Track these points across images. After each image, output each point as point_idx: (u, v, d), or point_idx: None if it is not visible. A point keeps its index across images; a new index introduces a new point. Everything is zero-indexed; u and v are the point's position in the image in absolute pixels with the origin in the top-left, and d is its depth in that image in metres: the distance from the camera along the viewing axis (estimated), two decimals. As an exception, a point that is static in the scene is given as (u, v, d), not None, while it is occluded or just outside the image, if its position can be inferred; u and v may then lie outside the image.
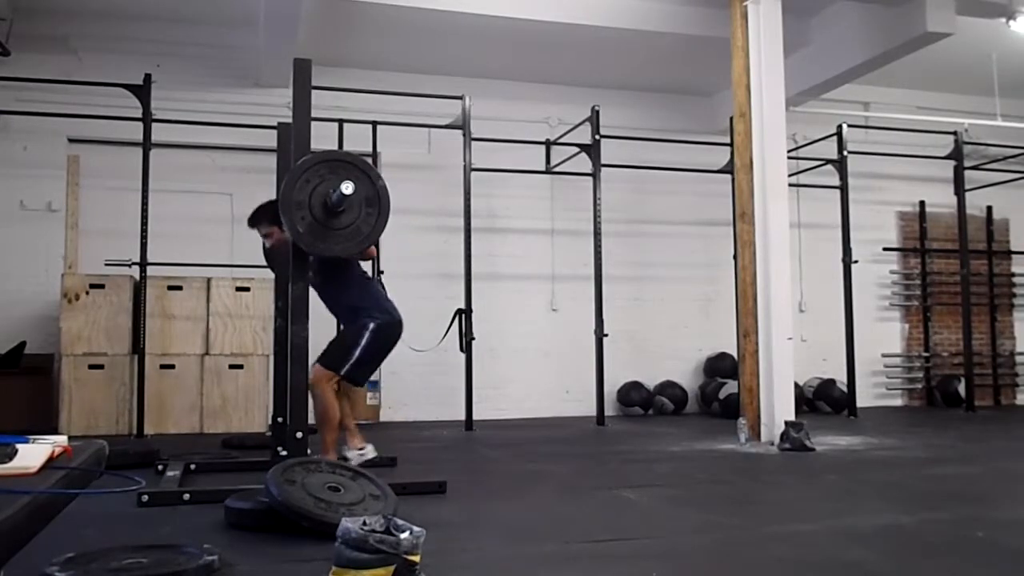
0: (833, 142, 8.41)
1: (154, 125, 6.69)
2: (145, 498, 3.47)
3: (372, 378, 7.54)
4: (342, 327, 4.24)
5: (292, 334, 3.91)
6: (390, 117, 7.64)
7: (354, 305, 4.27)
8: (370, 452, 4.37)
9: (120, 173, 7.14)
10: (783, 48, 5.99)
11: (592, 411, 7.60)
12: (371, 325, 4.15)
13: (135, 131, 6.68)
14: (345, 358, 4.11)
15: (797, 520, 3.36)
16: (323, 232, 3.58)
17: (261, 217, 4.37)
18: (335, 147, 7.44)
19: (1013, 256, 10.10)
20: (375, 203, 3.66)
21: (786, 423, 5.54)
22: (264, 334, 6.70)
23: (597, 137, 7.75)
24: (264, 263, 4.71)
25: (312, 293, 3.98)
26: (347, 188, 3.46)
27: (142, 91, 6.64)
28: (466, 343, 6.80)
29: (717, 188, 8.32)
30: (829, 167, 8.43)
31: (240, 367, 6.82)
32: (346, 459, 4.30)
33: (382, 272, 6.79)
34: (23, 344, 6.84)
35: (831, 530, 3.12)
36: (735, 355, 7.42)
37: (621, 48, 7.87)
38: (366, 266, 4.81)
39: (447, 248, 7.92)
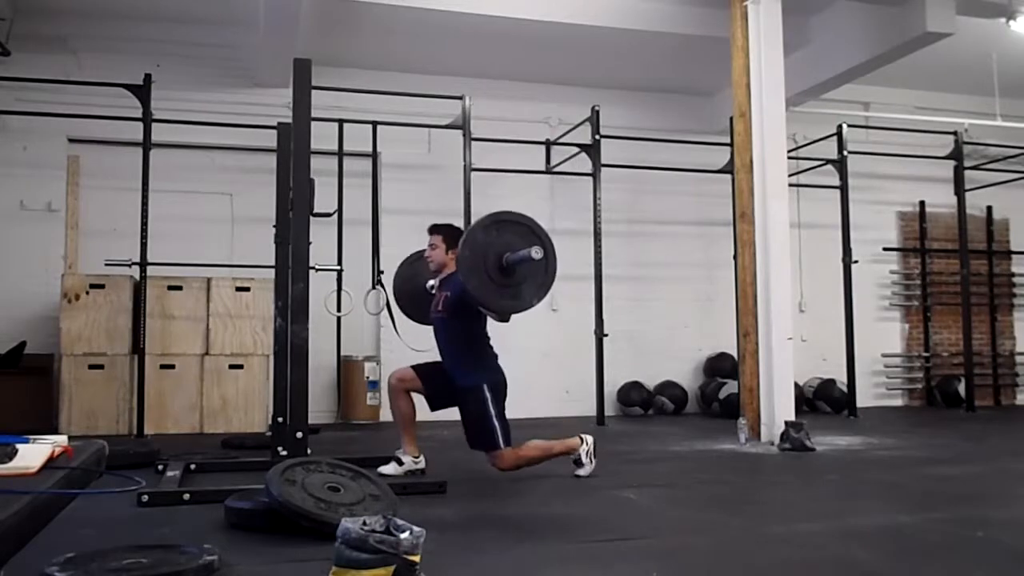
0: (833, 142, 8.41)
1: (154, 125, 6.69)
2: (145, 498, 3.47)
3: (372, 378, 7.61)
4: (454, 378, 4.28)
5: (292, 334, 3.92)
6: (390, 117, 7.64)
7: (470, 357, 4.26)
8: (422, 463, 4.39)
9: (120, 173, 7.14)
10: (783, 48, 5.99)
11: (592, 411, 7.60)
12: (485, 387, 4.16)
13: (135, 131, 6.68)
14: (494, 433, 4.12)
15: (797, 520, 3.36)
16: (506, 292, 3.74)
17: (445, 231, 4.41)
18: (335, 147, 7.45)
19: (1013, 256, 10.10)
20: (543, 268, 3.78)
21: (786, 423, 5.54)
22: (264, 334, 6.70)
23: (597, 137, 7.75)
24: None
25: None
26: (537, 253, 3.58)
27: (142, 91, 6.64)
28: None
29: (717, 188, 8.32)
30: (829, 167, 8.43)
31: (240, 367, 6.82)
32: (400, 463, 4.33)
33: (382, 272, 6.79)
34: (23, 344, 6.83)
35: (831, 530, 3.12)
36: (735, 355, 7.42)
37: (621, 48, 7.87)
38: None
39: (447, 248, 7.91)
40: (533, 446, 4.29)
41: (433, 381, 4.34)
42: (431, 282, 4.61)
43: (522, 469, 4.24)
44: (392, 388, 4.39)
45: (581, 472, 4.33)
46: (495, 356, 4.32)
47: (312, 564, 2.50)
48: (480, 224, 3.84)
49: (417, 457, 4.39)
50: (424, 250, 4.55)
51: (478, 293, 3.75)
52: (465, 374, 4.23)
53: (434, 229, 4.49)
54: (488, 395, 4.15)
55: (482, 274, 3.71)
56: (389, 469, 4.32)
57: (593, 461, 4.36)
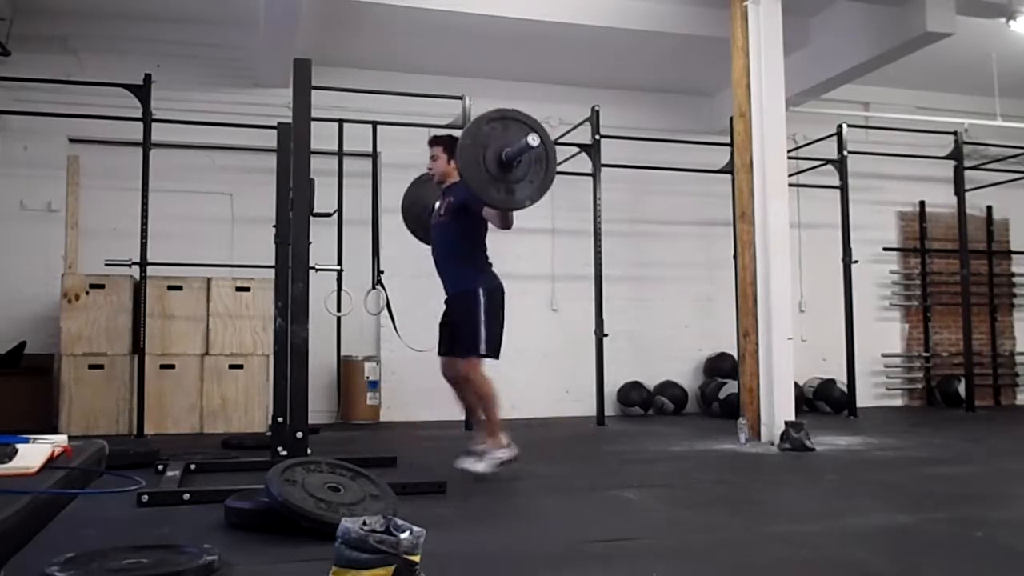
0: (833, 142, 8.41)
1: (154, 125, 6.69)
2: (145, 498, 3.47)
3: (372, 378, 7.61)
4: (449, 290, 4.26)
5: (292, 334, 3.92)
6: (390, 117, 7.63)
7: (468, 261, 4.25)
8: (512, 449, 4.23)
9: (120, 173, 7.14)
10: (783, 48, 5.99)
11: (592, 411, 7.60)
12: (480, 291, 4.14)
13: (135, 131, 6.68)
14: (477, 337, 4.08)
15: (797, 520, 3.36)
16: (502, 186, 3.72)
17: (445, 141, 4.38)
18: (335, 147, 7.45)
19: (1013, 256, 10.10)
20: (543, 159, 3.73)
21: (786, 423, 5.54)
22: (264, 334, 6.70)
23: (597, 137, 7.75)
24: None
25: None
26: (533, 140, 3.55)
27: (142, 91, 6.63)
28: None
29: (717, 188, 8.32)
30: (829, 167, 8.43)
31: (240, 367, 6.82)
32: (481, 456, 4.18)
33: (382, 272, 6.79)
34: (23, 344, 6.84)
35: (831, 530, 3.12)
36: (735, 355, 7.42)
37: (621, 48, 7.87)
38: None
39: (447, 248, 7.91)
40: (493, 394, 4.18)
41: (445, 338, 4.32)
42: (437, 202, 4.57)
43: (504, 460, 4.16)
44: (450, 380, 4.29)
45: (466, 463, 4.13)
46: (491, 267, 4.30)
47: (312, 564, 2.50)
48: (482, 118, 3.83)
49: (507, 444, 4.25)
50: (429, 172, 4.54)
51: (477, 185, 3.72)
52: (461, 279, 4.23)
53: (434, 141, 4.48)
54: (482, 298, 4.13)
55: (481, 167, 3.70)
56: (474, 464, 4.15)
57: (490, 469, 4.14)
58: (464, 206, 4.13)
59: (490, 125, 3.79)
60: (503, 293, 4.26)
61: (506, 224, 4.07)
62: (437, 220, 4.38)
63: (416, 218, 4.91)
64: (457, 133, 4.12)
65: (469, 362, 4.13)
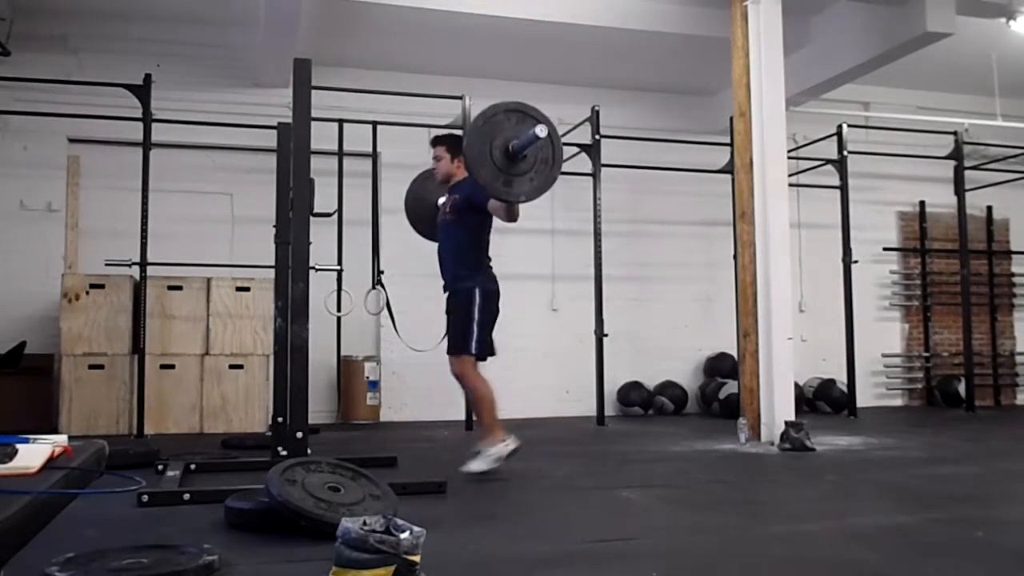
0: (833, 142, 8.41)
1: (154, 125, 6.69)
2: (145, 498, 3.47)
3: (372, 378, 7.61)
4: (449, 287, 4.28)
5: (292, 334, 3.92)
6: (390, 117, 7.63)
7: (470, 261, 4.28)
8: (512, 442, 4.24)
9: (120, 173, 7.14)
10: (783, 48, 5.99)
11: (592, 411, 7.60)
12: (477, 291, 4.17)
13: (135, 131, 6.68)
14: (468, 336, 4.11)
15: (797, 520, 3.36)
16: (501, 175, 3.72)
17: (448, 140, 4.41)
18: (335, 147, 7.45)
19: (1013, 256, 10.10)
20: (548, 162, 3.76)
21: (786, 423, 5.54)
22: (264, 334, 6.70)
23: (597, 137, 7.75)
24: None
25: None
26: (541, 131, 3.55)
27: (142, 91, 6.64)
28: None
29: (717, 188, 8.32)
30: (829, 167, 8.43)
31: (240, 367, 6.82)
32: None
33: (382, 272, 6.79)
34: (23, 344, 6.83)
35: (831, 530, 3.12)
36: (735, 355, 7.42)
37: (621, 48, 7.87)
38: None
39: (447, 248, 7.91)
40: (486, 391, 4.20)
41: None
42: (441, 200, 4.58)
43: (511, 465, 4.18)
44: (469, 375, 4.28)
45: (472, 466, 4.16)
46: (491, 268, 4.34)
47: (312, 564, 2.50)
48: (500, 106, 3.85)
49: (505, 439, 4.25)
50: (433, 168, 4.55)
51: (483, 177, 3.73)
52: (463, 277, 4.26)
53: (436, 141, 4.50)
54: (478, 298, 4.17)
55: (488, 159, 3.71)
56: (478, 464, 4.18)
57: (493, 466, 4.16)
58: (469, 203, 4.15)
59: (506, 114, 3.79)
60: (498, 295, 4.30)
61: (511, 217, 4.08)
62: (442, 218, 4.40)
63: (419, 214, 4.91)
64: (459, 132, 4.13)
65: (460, 360, 4.18)
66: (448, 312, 4.44)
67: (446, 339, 4.38)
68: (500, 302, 4.32)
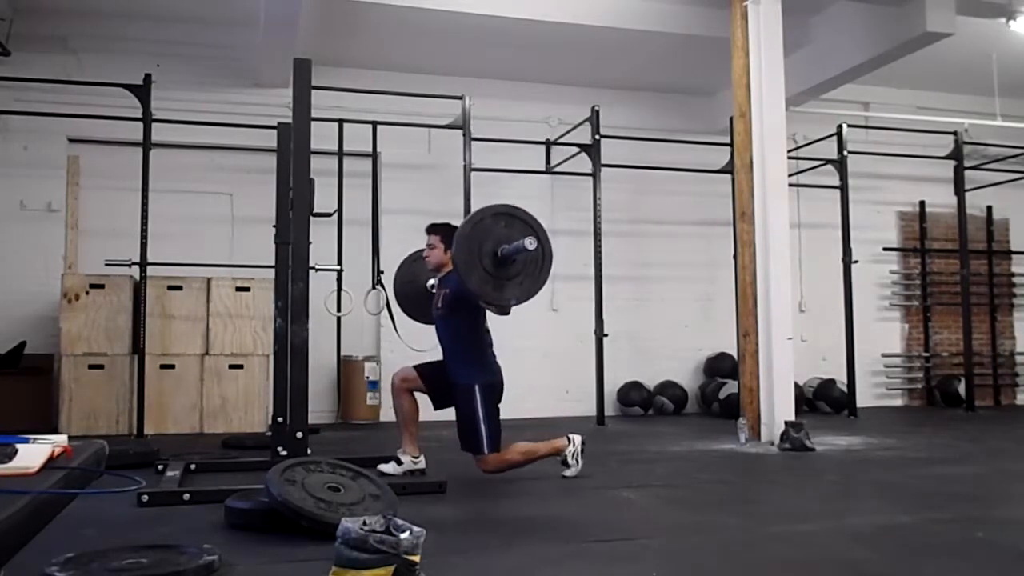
0: (833, 142, 8.40)
1: (154, 125, 6.69)
2: (145, 498, 3.47)
3: (372, 378, 7.60)
4: (450, 374, 4.31)
5: (292, 334, 3.92)
6: (390, 117, 7.64)
7: (467, 355, 4.27)
8: (421, 463, 4.38)
9: (120, 173, 7.14)
10: (783, 48, 5.99)
11: (592, 411, 7.60)
12: (476, 388, 4.17)
13: (135, 131, 6.68)
14: (479, 437, 4.13)
15: (797, 520, 3.36)
16: (491, 280, 3.75)
17: (443, 230, 4.39)
18: (335, 147, 7.45)
19: (1013, 256, 10.10)
20: (538, 263, 3.82)
21: (786, 423, 5.54)
22: (264, 334, 6.70)
23: (597, 137, 7.75)
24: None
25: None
26: (531, 244, 3.59)
27: (142, 91, 6.64)
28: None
29: (717, 188, 8.32)
30: (829, 167, 8.43)
31: (240, 367, 6.82)
32: (400, 462, 4.32)
33: (382, 272, 6.79)
34: (23, 344, 6.83)
35: (831, 530, 3.12)
36: (735, 355, 7.42)
37: (621, 48, 7.87)
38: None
39: (447, 248, 7.91)
40: (518, 450, 4.28)
41: (435, 380, 4.34)
42: (431, 281, 4.62)
43: (515, 470, 4.24)
44: (395, 387, 4.39)
45: (568, 473, 4.32)
46: (493, 356, 4.32)
47: (312, 564, 2.50)
48: (488, 210, 3.86)
49: (417, 457, 4.39)
50: (423, 250, 4.55)
51: (473, 284, 3.75)
52: (461, 372, 4.25)
53: (432, 229, 4.49)
54: (479, 396, 4.16)
55: (477, 265, 3.72)
56: (389, 468, 4.32)
57: (580, 462, 4.34)
58: (459, 296, 4.12)
59: (494, 218, 3.80)
60: (502, 386, 4.29)
61: (502, 312, 4.10)
62: (436, 311, 4.39)
63: (411, 298, 4.88)
64: (455, 224, 4.14)
65: (483, 460, 4.17)
66: (440, 364, 4.41)
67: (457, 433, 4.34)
68: (503, 389, 4.30)
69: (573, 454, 4.34)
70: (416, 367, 4.41)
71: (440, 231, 4.43)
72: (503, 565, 2.66)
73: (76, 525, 2.89)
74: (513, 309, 4.00)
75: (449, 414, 4.29)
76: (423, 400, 4.43)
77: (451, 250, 4.08)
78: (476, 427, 4.14)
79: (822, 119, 8.68)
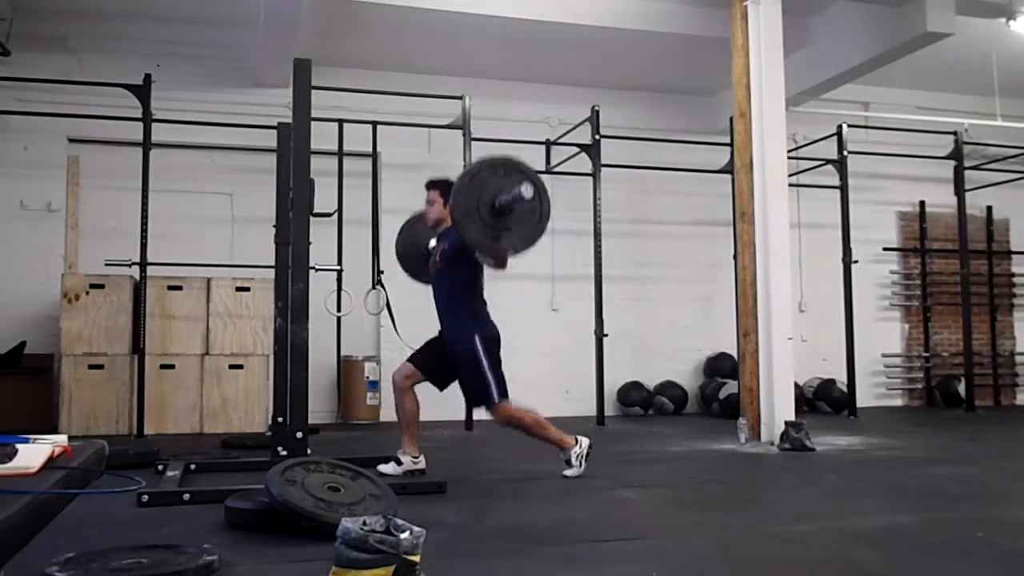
0: (833, 142, 8.41)
1: (154, 125, 6.69)
2: (145, 498, 3.47)
3: (372, 378, 7.60)
4: (448, 338, 4.31)
5: (292, 334, 3.93)
6: (390, 117, 7.64)
7: (464, 313, 4.29)
8: (422, 463, 4.38)
9: (120, 173, 7.14)
10: (783, 48, 5.99)
11: (592, 411, 7.60)
12: (477, 338, 4.18)
13: (135, 131, 6.68)
14: (488, 387, 4.15)
15: (797, 520, 3.36)
16: (489, 231, 3.72)
17: (442, 185, 4.38)
18: (335, 147, 7.45)
19: (1013, 256, 10.10)
20: (536, 212, 3.76)
21: (786, 423, 5.54)
22: (264, 334, 6.70)
23: (597, 137, 7.75)
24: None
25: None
26: (527, 191, 3.56)
27: (142, 91, 6.64)
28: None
29: (717, 188, 8.32)
30: (829, 167, 8.43)
31: (240, 367, 6.82)
32: (399, 462, 4.32)
33: (382, 272, 6.78)
34: (23, 344, 6.83)
35: (831, 530, 3.12)
36: (735, 355, 7.42)
37: (621, 48, 7.87)
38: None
39: (447, 248, 7.91)
40: (532, 415, 4.31)
41: (431, 361, 4.35)
42: (432, 242, 4.59)
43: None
44: (399, 386, 4.37)
45: (569, 473, 4.31)
46: (487, 312, 4.34)
47: (312, 564, 2.50)
48: (485, 161, 3.86)
49: (417, 457, 4.39)
50: (424, 211, 4.55)
51: (471, 234, 3.74)
52: (458, 328, 4.26)
53: (431, 185, 4.48)
54: (480, 346, 4.18)
55: (475, 216, 3.72)
56: (388, 468, 4.33)
57: (583, 465, 4.33)
58: (458, 251, 4.13)
59: (491, 169, 3.80)
60: (499, 339, 4.31)
61: (500, 265, 4.11)
62: (434, 268, 4.39)
63: (409, 255, 4.89)
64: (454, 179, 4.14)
65: (497, 410, 4.19)
66: (430, 343, 4.43)
67: (462, 394, 4.36)
68: (500, 340, 4.32)
69: (578, 456, 4.33)
70: (410, 359, 4.41)
71: (440, 186, 4.42)
72: (503, 565, 2.66)
73: (76, 525, 2.89)
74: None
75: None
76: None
77: (449, 204, 4.06)
78: (483, 377, 4.15)
79: (822, 119, 8.68)
